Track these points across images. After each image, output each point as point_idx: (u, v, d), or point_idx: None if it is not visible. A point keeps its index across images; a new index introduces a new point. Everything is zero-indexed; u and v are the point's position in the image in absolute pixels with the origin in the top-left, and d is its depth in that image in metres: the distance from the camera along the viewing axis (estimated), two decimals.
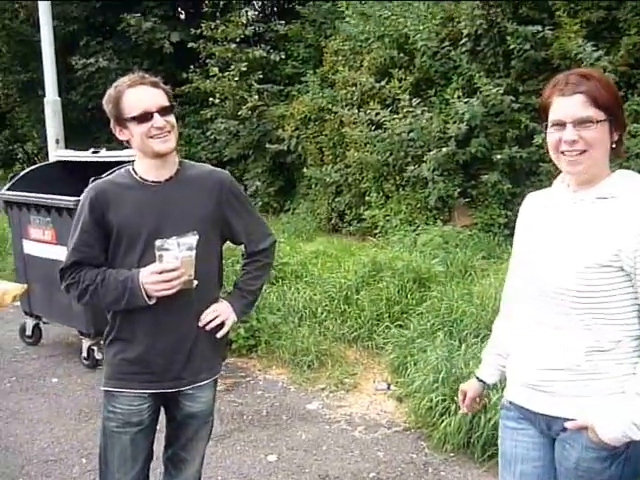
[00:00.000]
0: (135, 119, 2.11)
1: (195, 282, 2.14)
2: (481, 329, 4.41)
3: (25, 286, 1.85)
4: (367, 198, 8.28)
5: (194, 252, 2.10)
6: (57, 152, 6.93)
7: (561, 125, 1.65)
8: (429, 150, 7.39)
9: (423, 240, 6.68)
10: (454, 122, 7.26)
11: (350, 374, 4.69)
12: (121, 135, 2.19)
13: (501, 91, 6.94)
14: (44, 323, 5.59)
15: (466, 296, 4.93)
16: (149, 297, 2.11)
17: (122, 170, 2.27)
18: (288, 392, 4.53)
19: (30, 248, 5.31)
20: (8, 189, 5.46)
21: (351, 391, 4.50)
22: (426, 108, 7.60)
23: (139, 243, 2.15)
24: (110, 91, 2.17)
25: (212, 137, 10.50)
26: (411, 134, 7.56)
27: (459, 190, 7.39)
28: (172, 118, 2.16)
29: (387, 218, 7.72)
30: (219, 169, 2.43)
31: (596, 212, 1.68)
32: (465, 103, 7.07)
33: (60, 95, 9.37)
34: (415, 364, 4.27)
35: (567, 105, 1.64)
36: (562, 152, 1.67)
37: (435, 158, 7.25)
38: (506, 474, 1.90)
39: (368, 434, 3.91)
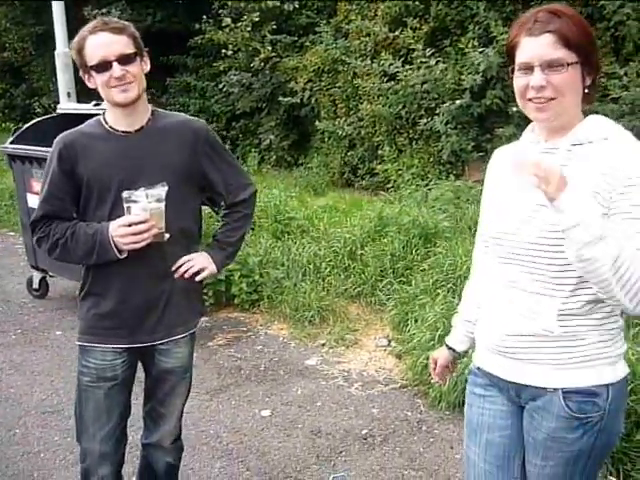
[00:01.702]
0: (94, 68, 2.02)
1: (167, 235, 2.08)
2: None
3: None
4: (380, 152, 8.15)
5: (163, 204, 2.03)
6: (64, 105, 6.85)
7: (528, 69, 1.51)
8: (443, 102, 7.21)
9: (434, 195, 6.57)
10: (469, 73, 7.05)
11: (351, 330, 4.65)
12: (89, 82, 2.10)
13: None
14: (50, 276, 5.61)
15: (471, 253, 4.81)
16: (119, 251, 2.06)
17: (93, 120, 2.19)
18: (288, 347, 4.51)
19: (34, 202, 5.29)
20: (11, 142, 5.43)
21: (351, 347, 4.46)
22: (440, 59, 7.39)
23: (109, 195, 2.09)
24: (75, 37, 2.07)
25: (225, 90, 10.35)
26: (425, 86, 7.37)
27: (473, 144, 7.22)
28: (136, 66, 2.04)
29: (399, 172, 7.59)
30: (194, 118, 2.33)
31: (572, 159, 1.53)
32: (481, 53, 6.85)
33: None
34: (416, 321, 4.21)
35: (535, 46, 1.48)
36: (529, 99, 1.54)
37: (449, 111, 7.07)
38: (471, 443, 1.81)
39: (364, 391, 3.88)
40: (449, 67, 7.38)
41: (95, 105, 5.38)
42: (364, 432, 3.44)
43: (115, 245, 2.05)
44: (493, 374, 1.74)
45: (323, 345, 4.50)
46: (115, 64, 1.98)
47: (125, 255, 2.08)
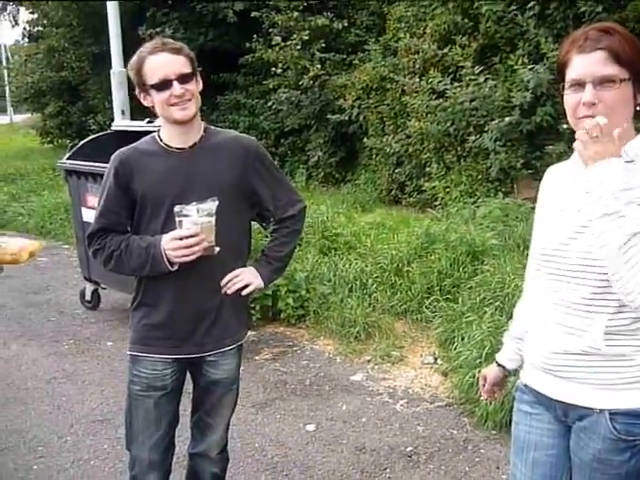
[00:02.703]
0: (154, 87, 2.09)
1: (217, 249, 2.13)
2: None
3: (43, 243, 1.88)
4: (427, 169, 8.13)
5: (214, 218, 2.08)
6: (118, 122, 7.07)
7: (580, 85, 1.50)
8: (492, 119, 7.15)
9: (482, 212, 6.51)
10: (519, 90, 6.98)
11: (397, 347, 4.63)
12: (145, 101, 2.19)
13: None
14: (102, 289, 5.76)
15: (520, 270, 4.72)
16: (171, 263, 2.11)
17: (148, 137, 2.27)
18: (333, 363, 4.52)
19: (88, 216, 5.45)
20: (68, 158, 5.62)
21: (397, 364, 4.45)
22: (490, 76, 7.34)
23: (163, 210, 2.15)
24: (133, 57, 2.16)
25: (274, 107, 10.49)
26: (474, 103, 7.32)
27: (522, 161, 7.13)
28: (193, 85, 2.12)
29: (447, 190, 7.55)
30: (245, 135, 2.39)
31: (626, 178, 1.53)
32: (531, 70, 6.79)
33: (126, 66, 9.53)
34: (462, 339, 4.18)
35: (586, 63, 1.48)
36: (580, 117, 1.53)
37: (498, 128, 7.01)
38: (517, 461, 1.80)
39: (409, 408, 3.86)
40: (498, 84, 7.33)
41: (148, 122, 5.53)
42: (409, 449, 3.42)
43: (167, 258, 2.10)
44: (540, 392, 1.72)
45: (369, 361, 4.49)
46: (175, 83, 2.06)
47: (176, 268, 2.13)
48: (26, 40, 19.65)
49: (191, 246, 2.07)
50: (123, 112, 9.39)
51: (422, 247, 5.43)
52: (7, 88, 34.42)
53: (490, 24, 7.58)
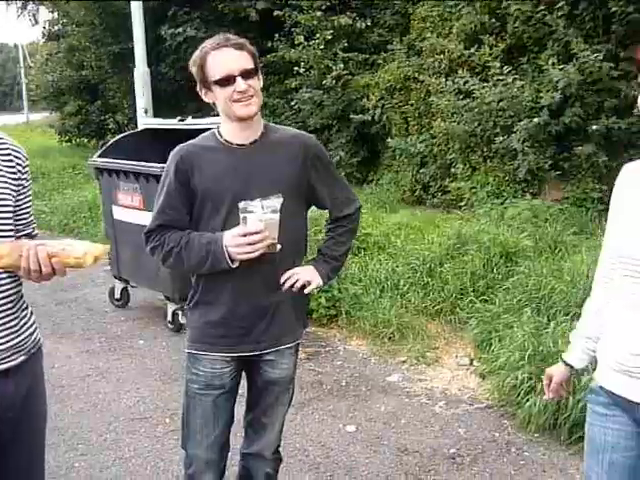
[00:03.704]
0: (218, 82, 2.07)
1: (279, 246, 2.10)
2: (571, 307, 4.22)
3: (107, 247, 1.84)
4: (453, 170, 8.09)
5: (278, 215, 2.05)
6: (146, 120, 7.07)
7: None
8: (519, 120, 7.10)
9: (511, 213, 6.47)
10: (547, 91, 6.94)
11: (431, 348, 4.60)
12: (206, 97, 2.16)
13: (600, 57, 6.57)
14: (132, 287, 5.76)
15: (556, 272, 4.72)
16: (232, 260, 2.09)
17: (208, 133, 2.24)
18: (368, 363, 4.49)
19: (119, 214, 5.46)
20: (99, 156, 5.62)
21: (432, 365, 4.41)
22: (518, 76, 7.30)
23: (223, 206, 2.13)
24: (196, 53, 2.14)
25: (296, 107, 10.48)
26: (501, 103, 7.28)
27: (550, 162, 7.10)
28: (256, 81, 2.10)
29: (473, 190, 7.51)
30: (304, 132, 2.37)
31: None
32: (560, 70, 6.74)
33: (149, 66, 9.56)
34: (500, 340, 4.14)
35: None
36: None
37: (526, 128, 6.97)
38: (593, 462, 1.77)
39: (449, 409, 3.82)
40: (526, 84, 7.28)
41: (180, 120, 5.54)
42: (452, 451, 3.39)
43: (228, 255, 2.08)
44: (617, 394, 1.69)
45: (404, 362, 4.46)
46: (239, 78, 2.03)
47: (237, 265, 2.11)
48: (43, 39, 19.76)
49: (254, 243, 2.04)
50: (146, 111, 9.41)
51: (454, 248, 5.40)
52: (24, 87, 34.73)
53: (518, 24, 7.54)
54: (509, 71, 7.26)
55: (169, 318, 5.17)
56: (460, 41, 8.15)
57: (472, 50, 7.79)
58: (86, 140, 18.29)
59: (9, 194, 1.84)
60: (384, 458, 3.33)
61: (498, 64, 7.31)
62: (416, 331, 4.74)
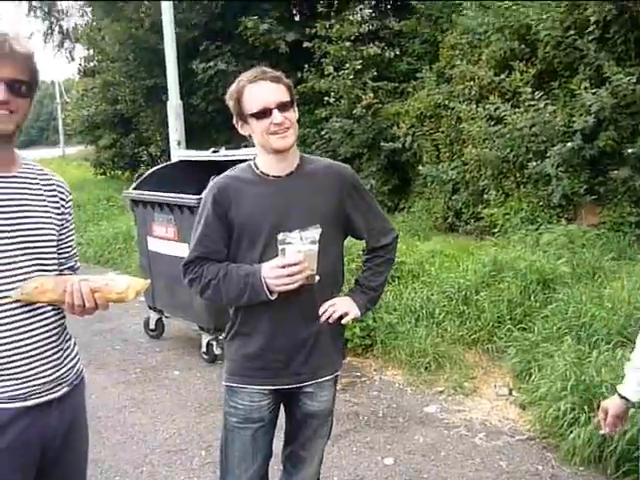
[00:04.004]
0: (254, 115, 2.09)
1: (317, 277, 2.09)
2: (613, 335, 4.12)
3: (148, 281, 1.86)
4: (485, 196, 8.02)
5: (317, 246, 2.05)
6: (179, 153, 7.17)
7: None
8: (552, 145, 7.03)
9: (546, 239, 6.37)
10: (580, 115, 6.88)
11: (469, 377, 4.52)
12: (242, 130, 2.18)
13: (633, 80, 6.49)
14: (166, 317, 5.79)
15: (595, 299, 4.62)
16: (271, 292, 2.08)
17: (244, 165, 2.26)
18: (405, 394, 4.43)
19: (154, 245, 5.52)
20: (134, 188, 5.70)
21: (470, 395, 4.33)
22: (549, 101, 7.24)
23: (261, 238, 2.13)
24: (232, 87, 2.16)
25: (327, 136, 10.54)
26: (533, 129, 7.22)
27: (585, 187, 6.99)
28: (292, 113, 2.12)
29: (507, 217, 7.42)
30: (339, 163, 2.37)
31: None
32: (593, 94, 6.67)
33: (182, 99, 9.73)
34: (540, 370, 4.05)
35: None
36: None
37: (559, 153, 6.89)
38: None
39: (489, 441, 3.74)
40: (558, 109, 7.23)
41: (213, 152, 5.60)
42: None
43: (267, 287, 2.07)
44: None
45: (441, 392, 4.38)
46: (275, 111, 2.05)
47: (275, 297, 2.10)
48: (79, 76, 20.30)
49: (293, 274, 2.04)
50: (179, 143, 9.55)
51: (489, 275, 5.32)
52: (60, 122, 35.62)
53: (548, 49, 7.51)
54: (540, 96, 7.21)
55: (203, 349, 5.17)
56: (490, 67, 8.14)
57: (502, 76, 7.77)
58: (120, 172, 18.61)
59: (53, 228, 1.87)
60: None
61: (529, 89, 7.27)
62: (453, 360, 4.67)
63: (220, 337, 5.00)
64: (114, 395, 4.62)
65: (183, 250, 4.96)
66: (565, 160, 6.96)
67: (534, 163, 7.20)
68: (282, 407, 2.33)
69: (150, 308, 5.83)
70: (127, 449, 3.83)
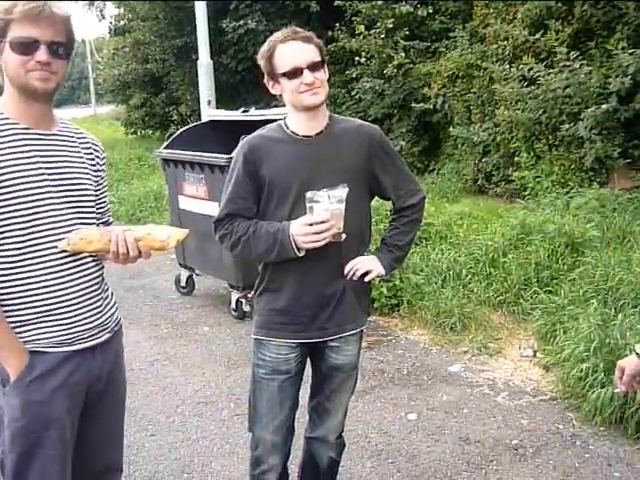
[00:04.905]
0: (285, 75, 2.12)
1: (344, 235, 2.14)
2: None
3: (187, 231, 1.95)
4: (516, 158, 7.92)
5: (344, 205, 2.09)
6: (209, 112, 7.21)
7: None
8: (587, 107, 6.89)
9: (577, 203, 6.31)
10: (616, 76, 6.71)
11: (494, 338, 4.56)
12: (274, 89, 2.21)
13: None
14: (197, 275, 5.91)
15: (624, 263, 4.60)
16: (298, 249, 2.14)
17: (274, 124, 2.30)
18: (429, 353, 4.50)
19: (185, 203, 5.61)
20: (165, 147, 5.77)
21: (494, 356, 4.38)
22: (585, 62, 7.07)
23: (290, 196, 2.18)
24: (264, 46, 2.19)
25: (357, 96, 10.46)
26: (567, 90, 7.08)
27: (619, 150, 6.86)
28: (322, 74, 2.15)
29: (538, 180, 7.34)
30: (368, 123, 2.39)
31: None
32: (630, 54, 6.51)
33: (212, 58, 9.72)
34: (565, 332, 4.08)
35: None
36: None
37: (593, 115, 6.76)
38: None
39: (511, 401, 3.80)
40: (594, 70, 7.06)
41: (243, 112, 5.63)
42: (514, 442, 3.37)
43: (295, 244, 2.13)
44: None
45: (465, 352, 4.44)
46: (306, 71, 2.08)
47: (303, 253, 2.16)
48: (109, 35, 20.30)
49: (321, 232, 2.09)
50: (209, 102, 9.57)
51: (517, 238, 5.32)
52: (91, 81, 35.79)
53: (586, 7, 7.31)
54: (576, 56, 7.04)
55: (233, 306, 5.29)
56: (525, 26, 7.95)
57: (537, 36, 7.59)
58: (150, 132, 18.75)
59: (91, 184, 1.96)
60: (446, 447, 3.34)
61: (564, 49, 7.10)
62: (478, 322, 4.72)
63: (249, 294, 5.11)
64: (147, 349, 4.77)
65: (213, 208, 5.04)
66: (599, 122, 6.83)
67: (567, 125, 7.07)
68: (309, 361, 2.41)
69: (181, 266, 5.95)
70: (159, 400, 3.98)
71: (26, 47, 1.75)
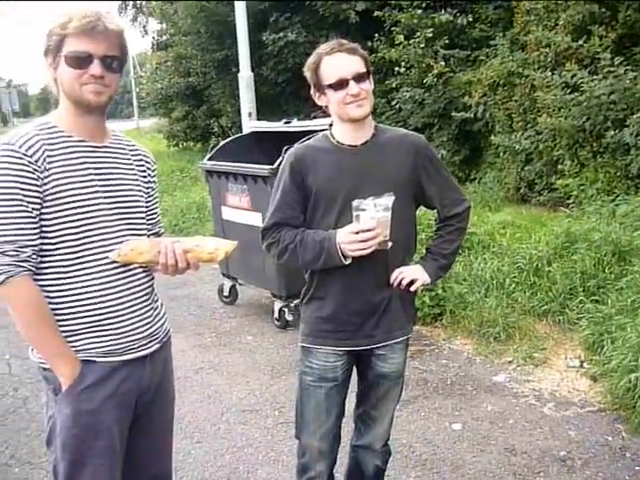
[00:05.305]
0: (331, 86, 2.15)
1: (390, 243, 2.16)
2: None
3: (236, 243, 1.98)
4: (560, 166, 7.81)
5: (390, 213, 2.11)
6: (251, 124, 7.30)
7: None
8: (632, 113, 6.78)
9: (623, 211, 6.19)
10: None
11: (539, 348, 4.51)
12: (319, 101, 2.25)
13: None
14: (239, 284, 5.97)
15: None
16: (345, 257, 2.16)
17: (320, 135, 2.33)
18: (473, 363, 4.46)
19: (228, 214, 5.68)
20: (208, 159, 5.87)
21: (540, 366, 4.33)
22: (630, 67, 6.96)
23: (336, 205, 2.21)
24: (310, 58, 2.23)
25: (397, 106, 10.46)
26: (612, 96, 6.97)
27: None
28: (368, 84, 2.17)
29: (582, 187, 7.22)
30: (414, 133, 2.41)
31: None
32: None
33: (252, 70, 9.84)
34: (613, 342, 4.01)
35: None
36: None
37: (639, 122, 6.64)
38: None
39: (558, 411, 3.74)
40: (639, 75, 6.95)
41: (285, 123, 5.69)
42: (562, 454, 3.32)
43: (341, 252, 2.16)
44: None
45: (510, 362, 4.40)
46: (352, 82, 2.11)
47: (349, 262, 2.18)
48: (152, 49, 20.73)
49: (367, 240, 2.11)
50: (250, 114, 9.68)
51: (562, 246, 5.25)
52: (134, 95, 36.51)
53: (630, 12, 7.21)
54: (620, 62, 6.94)
55: (276, 315, 5.33)
56: (567, 33, 7.87)
57: (580, 42, 7.51)
58: (192, 144, 19.02)
59: (142, 196, 2.01)
60: (491, 457, 3.31)
61: (609, 55, 7.00)
62: (523, 331, 4.67)
63: (292, 304, 5.15)
64: (191, 357, 4.84)
65: (256, 219, 5.10)
66: None
67: (612, 132, 6.96)
68: (355, 369, 2.42)
69: (224, 275, 6.02)
70: (204, 407, 4.03)
71: (80, 61, 1.79)
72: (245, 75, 9.64)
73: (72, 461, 1.85)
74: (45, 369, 1.87)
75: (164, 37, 18.22)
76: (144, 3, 22.22)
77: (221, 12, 13.42)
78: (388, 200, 2.11)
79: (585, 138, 7.55)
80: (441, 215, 2.41)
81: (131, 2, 22.69)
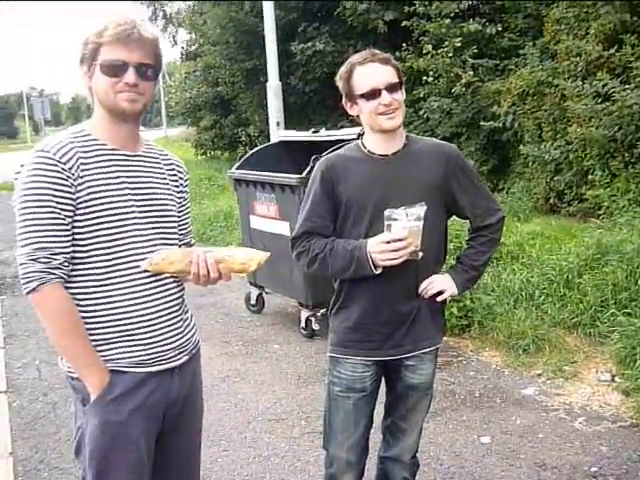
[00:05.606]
0: (364, 96, 2.15)
1: (420, 253, 2.14)
2: None
3: (268, 254, 1.97)
4: (590, 177, 7.72)
5: (422, 223, 2.10)
6: (280, 133, 7.33)
7: None
8: None
9: None
10: None
11: (569, 361, 4.43)
12: (351, 110, 2.25)
13: None
14: (266, 293, 5.98)
15: None
16: (375, 267, 2.15)
17: (351, 144, 2.33)
18: (502, 375, 4.41)
19: (256, 223, 5.70)
20: (237, 168, 5.90)
21: (570, 379, 4.26)
22: None
23: (367, 214, 2.20)
24: (342, 68, 2.23)
25: (425, 116, 10.43)
26: None
27: None
28: (400, 95, 2.17)
29: (613, 198, 7.12)
30: (446, 142, 2.40)
31: None
32: None
33: (280, 80, 9.89)
34: None
35: None
36: None
37: None
38: None
39: (589, 426, 3.67)
40: None
41: (313, 132, 5.70)
42: (593, 470, 3.25)
43: (372, 261, 2.14)
44: None
45: (539, 375, 4.33)
46: (384, 92, 2.11)
47: (380, 271, 2.17)
48: (181, 59, 20.99)
49: (398, 250, 2.10)
50: (278, 123, 9.72)
51: (593, 258, 5.18)
52: (163, 104, 36.94)
53: None
54: None
55: (302, 324, 5.32)
56: (598, 42, 7.79)
57: (612, 51, 7.43)
58: (220, 153, 19.20)
59: (174, 205, 2.01)
60: (520, 472, 3.26)
61: None
62: (553, 344, 4.60)
63: (318, 313, 5.14)
64: (218, 365, 4.85)
65: (284, 228, 5.11)
66: None
67: None
68: (383, 380, 2.40)
69: (251, 284, 6.04)
70: (231, 416, 4.03)
71: (115, 69, 1.79)
72: (273, 84, 9.70)
73: (99, 471, 1.83)
74: (73, 378, 1.85)
75: (193, 47, 18.47)
76: (174, 14, 22.53)
77: (250, 22, 13.55)
78: (420, 210, 2.09)
79: (616, 148, 7.45)
80: (474, 225, 2.38)
81: (161, 13, 23.02)
